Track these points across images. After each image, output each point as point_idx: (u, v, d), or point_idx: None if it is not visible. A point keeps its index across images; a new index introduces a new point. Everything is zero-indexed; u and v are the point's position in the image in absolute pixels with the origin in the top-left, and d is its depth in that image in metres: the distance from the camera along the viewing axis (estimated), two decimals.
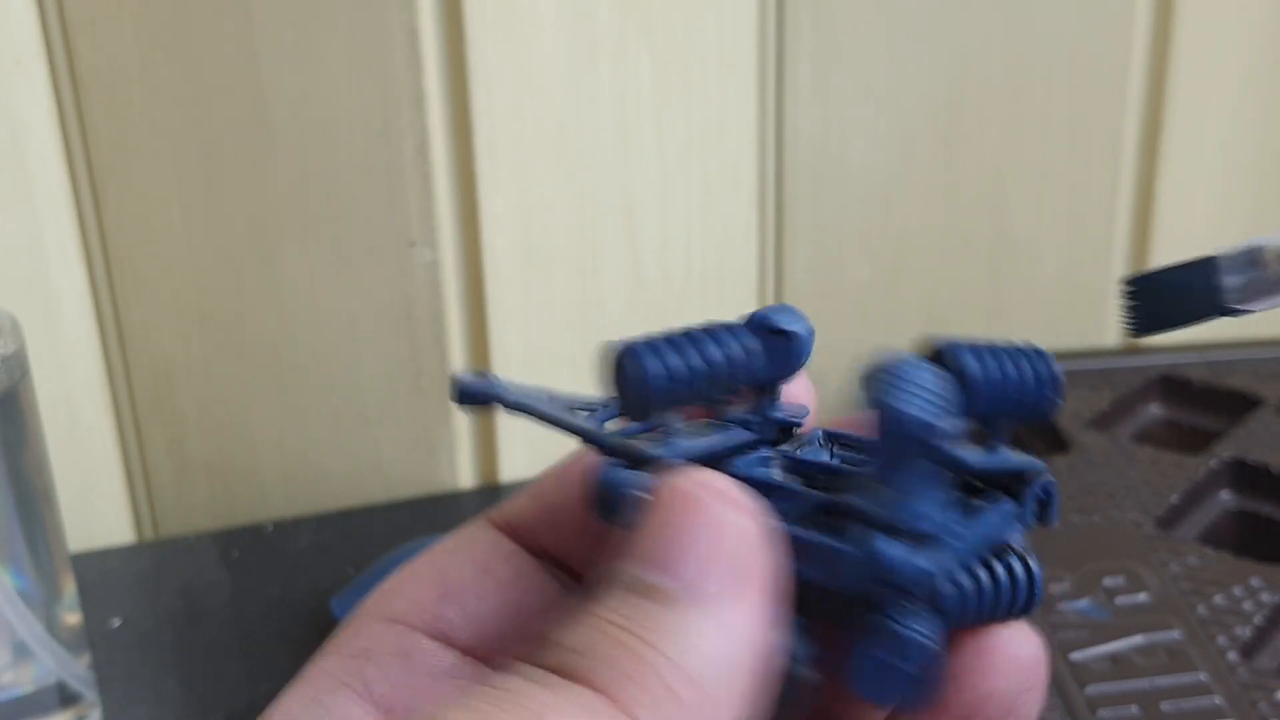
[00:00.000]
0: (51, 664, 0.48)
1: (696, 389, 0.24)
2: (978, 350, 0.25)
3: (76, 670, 0.49)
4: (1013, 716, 0.25)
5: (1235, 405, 0.66)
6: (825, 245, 0.72)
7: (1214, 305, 0.23)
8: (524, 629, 0.26)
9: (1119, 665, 0.49)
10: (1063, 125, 0.72)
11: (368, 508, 0.67)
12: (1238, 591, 0.52)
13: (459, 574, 0.27)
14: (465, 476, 0.68)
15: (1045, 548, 0.54)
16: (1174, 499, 0.58)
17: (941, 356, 0.25)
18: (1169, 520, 0.58)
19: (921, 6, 0.68)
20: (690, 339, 0.25)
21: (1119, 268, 0.75)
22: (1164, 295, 0.24)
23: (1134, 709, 0.47)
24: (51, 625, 0.48)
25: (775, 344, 0.25)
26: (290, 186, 0.61)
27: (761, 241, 0.71)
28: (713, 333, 0.25)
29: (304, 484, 0.66)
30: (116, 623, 0.58)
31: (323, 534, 0.64)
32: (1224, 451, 0.61)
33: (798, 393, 0.27)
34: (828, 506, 0.24)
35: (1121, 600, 0.52)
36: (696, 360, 0.24)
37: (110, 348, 0.63)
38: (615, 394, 0.24)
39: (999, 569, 0.25)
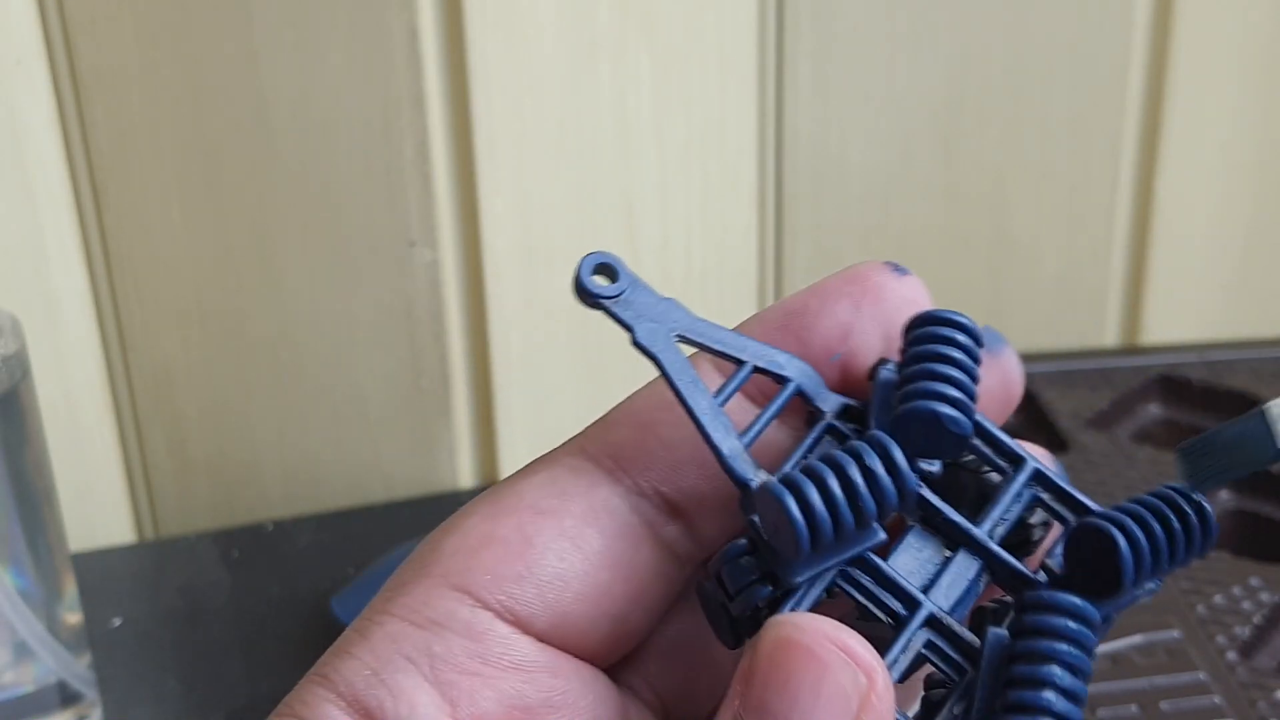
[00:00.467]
0: (52, 663, 0.48)
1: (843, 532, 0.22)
2: (1132, 530, 0.23)
3: (77, 670, 0.49)
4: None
5: (1234, 405, 0.66)
6: (825, 245, 0.72)
7: (1268, 456, 0.24)
8: (605, 614, 0.25)
9: (1118, 665, 0.49)
10: (1063, 125, 0.71)
11: (368, 507, 0.66)
12: (1236, 591, 0.52)
13: (544, 548, 0.24)
14: (465, 476, 0.68)
15: None
16: None
17: (1097, 538, 0.23)
18: None
19: (921, 6, 0.68)
20: (833, 466, 0.22)
21: (1119, 268, 0.75)
22: (1220, 451, 0.24)
23: (1133, 708, 0.47)
24: (52, 625, 0.48)
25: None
26: (290, 187, 0.61)
27: (761, 241, 0.71)
28: (858, 453, 0.22)
29: (304, 484, 0.66)
30: (117, 622, 0.58)
31: (323, 534, 0.64)
32: None
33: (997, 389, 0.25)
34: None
35: None
36: (841, 501, 0.22)
37: (111, 347, 0.63)
38: (758, 535, 0.23)
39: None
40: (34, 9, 0.57)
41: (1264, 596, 0.52)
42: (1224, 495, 0.61)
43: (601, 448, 0.25)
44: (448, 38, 0.60)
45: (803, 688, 0.21)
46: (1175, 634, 0.50)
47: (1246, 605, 0.51)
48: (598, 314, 0.23)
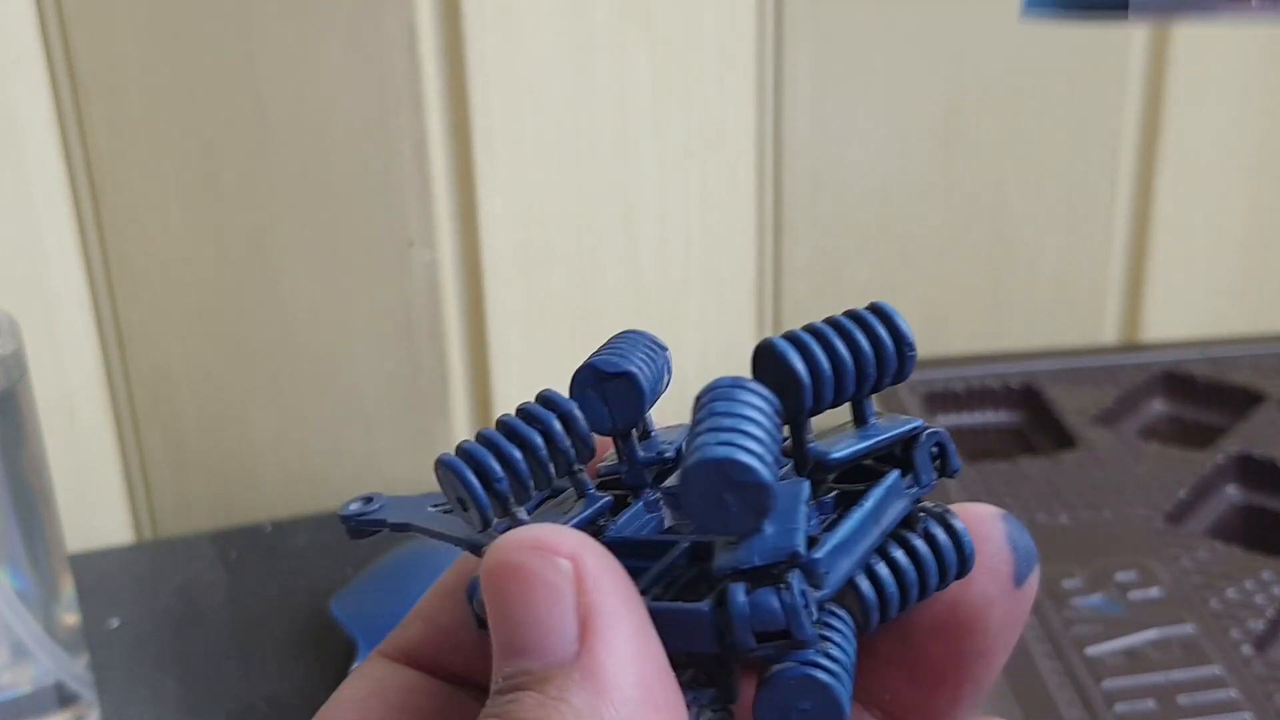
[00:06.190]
0: (50, 664, 0.47)
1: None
2: (807, 343, 0.23)
3: (75, 671, 0.49)
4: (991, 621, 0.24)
5: (1238, 401, 0.66)
6: (825, 245, 0.71)
7: None
8: None
9: (1134, 659, 0.48)
10: (1062, 125, 0.71)
11: None
12: (1249, 585, 0.52)
13: None
14: None
15: (1057, 543, 0.54)
16: (1181, 494, 0.58)
17: (767, 359, 0.23)
18: (1177, 515, 0.57)
19: (921, 7, 0.68)
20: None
21: (1119, 267, 0.75)
22: None
23: (1150, 703, 0.46)
24: (50, 626, 0.47)
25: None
26: (289, 186, 0.61)
27: (760, 241, 0.71)
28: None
29: (302, 484, 0.66)
30: (115, 623, 0.58)
31: (321, 534, 0.64)
32: (1230, 447, 0.61)
33: None
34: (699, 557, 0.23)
35: (1134, 595, 0.51)
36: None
37: (109, 347, 0.63)
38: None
39: (917, 543, 0.23)
40: (32, 7, 0.57)
41: (1277, 590, 0.52)
42: (1231, 490, 0.60)
43: (395, 649, 0.26)
44: (446, 37, 0.60)
45: (516, 603, 0.21)
46: (1189, 629, 0.50)
47: (1259, 599, 0.51)
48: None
